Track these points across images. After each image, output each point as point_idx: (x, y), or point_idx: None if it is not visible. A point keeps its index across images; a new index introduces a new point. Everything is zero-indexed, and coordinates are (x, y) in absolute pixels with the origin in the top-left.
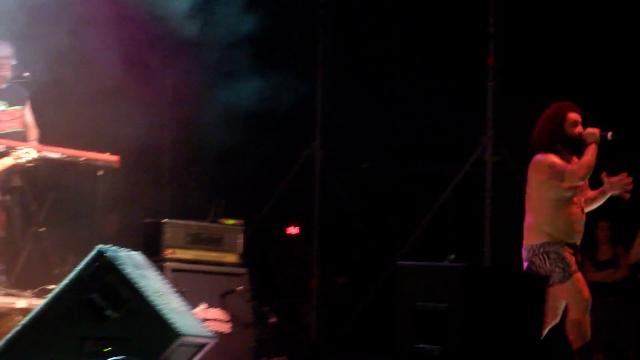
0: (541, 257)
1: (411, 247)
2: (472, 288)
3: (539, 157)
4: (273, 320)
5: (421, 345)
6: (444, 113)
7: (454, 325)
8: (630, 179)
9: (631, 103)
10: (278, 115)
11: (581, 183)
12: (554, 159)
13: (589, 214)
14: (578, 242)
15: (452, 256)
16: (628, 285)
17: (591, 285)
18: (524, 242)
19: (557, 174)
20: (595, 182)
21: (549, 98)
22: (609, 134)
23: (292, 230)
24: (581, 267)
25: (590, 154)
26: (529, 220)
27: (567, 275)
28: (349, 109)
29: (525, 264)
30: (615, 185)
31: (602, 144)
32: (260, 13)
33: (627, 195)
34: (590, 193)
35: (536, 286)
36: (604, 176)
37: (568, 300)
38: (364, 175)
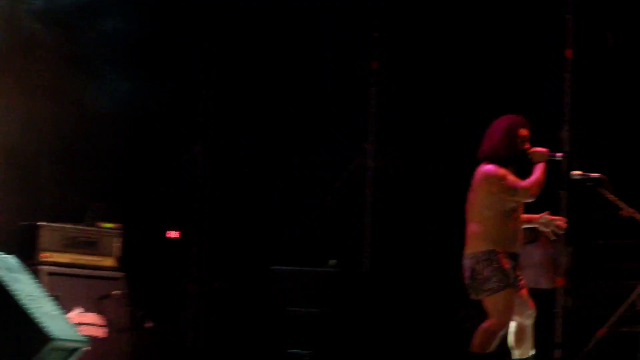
0: (483, 264)
1: (292, 252)
2: (344, 293)
3: (491, 168)
4: (149, 324)
5: (292, 350)
6: (326, 118)
7: (326, 330)
8: (564, 225)
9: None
10: (159, 118)
11: (532, 200)
12: (505, 172)
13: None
14: (518, 251)
15: (333, 261)
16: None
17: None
18: (467, 250)
19: (508, 189)
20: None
21: (430, 105)
22: (558, 155)
23: (172, 234)
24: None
25: (540, 173)
26: (473, 228)
27: (502, 286)
28: (232, 112)
29: (466, 272)
30: (549, 224)
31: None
32: (146, 15)
33: (553, 237)
34: (522, 216)
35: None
36: (546, 213)
37: (493, 310)
38: (246, 179)
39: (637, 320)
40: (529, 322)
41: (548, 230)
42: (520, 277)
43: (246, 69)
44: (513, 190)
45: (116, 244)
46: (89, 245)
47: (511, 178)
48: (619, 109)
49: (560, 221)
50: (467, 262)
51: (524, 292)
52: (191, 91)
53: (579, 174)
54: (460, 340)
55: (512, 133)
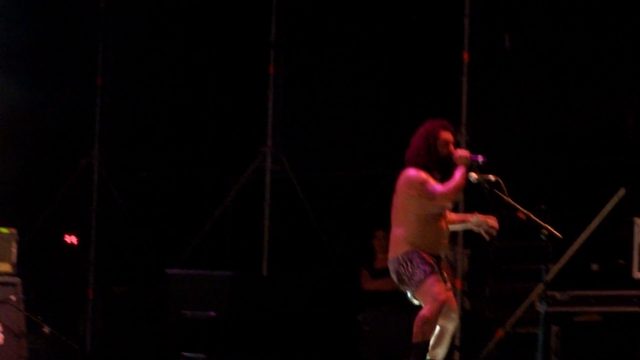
0: (404, 264)
1: (190, 256)
2: (238, 296)
3: (412, 172)
4: (46, 330)
5: (187, 354)
6: (225, 121)
7: (220, 333)
8: (496, 226)
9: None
10: (56, 123)
11: (450, 205)
12: (426, 176)
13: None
14: (442, 255)
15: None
16: (404, 294)
17: (367, 293)
18: (390, 254)
19: (428, 194)
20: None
21: (328, 109)
22: (480, 158)
23: (70, 239)
24: (373, 274)
25: (459, 177)
26: (395, 233)
27: (426, 275)
28: (128, 118)
29: (393, 276)
30: (481, 224)
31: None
32: (39, 21)
33: (487, 237)
34: (450, 216)
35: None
36: (475, 214)
37: (424, 298)
38: (143, 184)
39: (536, 322)
40: (451, 326)
41: (480, 230)
42: (447, 280)
43: (144, 74)
44: (432, 195)
45: (13, 249)
46: None
47: (431, 183)
48: (514, 111)
49: (491, 220)
50: (391, 267)
51: (451, 296)
52: (88, 95)
53: (475, 177)
54: (357, 344)
55: (431, 138)
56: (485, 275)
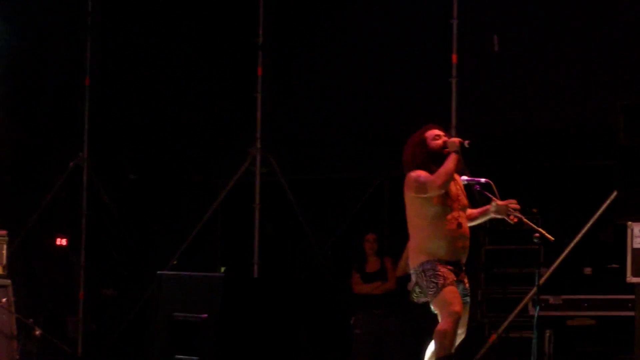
0: (421, 276)
1: (181, 259)
2: (230, 298)
3: (409, 174)
4: (38, 332)
5: (179, 356)
6: (214, 124)
7: (212, 335)
8: (518, 207)
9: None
10: (44, 125)
11: (442, 191)
12: (420, 172)
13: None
14: (463, 259)
15: (223, 269)
16: (395, 297)
17: (358, 297)
18: (410, 265)
19: (420, 187)
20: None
21: (317, 110)
22: (466, 142)
23: (60, 241)
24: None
25: (449, 162)
26: (411, 243)
27: (440, 287)
28: (117, 120)
29: (412, 285)
30: (502, 209)
31: None
32: (25, 20)
33: (514, 219)
34: (471, 211)
35: (295, 297)
36: (494, 200)
37: (440, 311)
38: (133, 186)
39: (529, 326)
40: (456, 340)
41: (504, 215)
42: (467, 293)
43: (132, 75)
44: (422, 186)
45: (3, 251)
46: None
47: (422, 175)
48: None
49: (512, 203)
50: (412, 277)
51: (466, 312)
52: (76, 97)
53: (466, 179)
54: (349, 347)
55: (419, 137)
56: (478, 279)
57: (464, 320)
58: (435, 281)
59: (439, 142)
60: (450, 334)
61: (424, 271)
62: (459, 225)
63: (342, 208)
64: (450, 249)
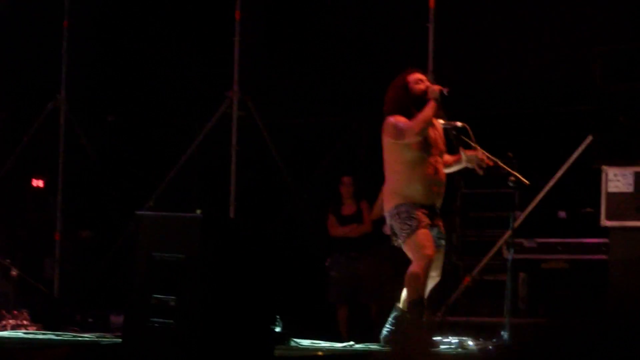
0: (395, 218)
1: (157, 201)
2: (209, 239)
3: (387, 119)
4: (14, 273)
5: (157, 296)
6: (190, 67)
7: (190, 275)
8: (486, 159)
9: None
10: (22, 66)
11: (419, 138)
12: (398, 118)
13: None
14: (438, 204)
15: (199, 211)
16: (370, 240)
17: (334, 239)
18: (384, 208)
19: (399, 133)
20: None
21: (295, 54)
22: (445, 90)
23: (37, 182)
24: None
25: (427, 110)
26: (386, 186)
27: (413, 230)
28: (95, 62)
29: (387, 228)
30: (472, 159)
31: None
32: None
33: (481, 172)
34: (447, 157)
35: (271, 239)
36: (462, 150)
37: (412, 254)
38: (110, 128)
39: (503, 269)
40: (430, 283)
41: (474, 165)
42: (442, 237)
43: (111, 17)
44: (401, 132)
45: None
46: None
47: (400, 121)
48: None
49: (480, 153)
50: (386, 219)
51: (440, 255)
52: (56, 38)
53: (443, 123)
54: (324, 289)
55: (402, 81)
56: (453, 222)
57: (438, 264)
58: (410, 223)
59: (422, 86)
60: (421, 276)
61: (398, 213)
62: (436, 170)
63: (319, 151)
64: (426, 193)
